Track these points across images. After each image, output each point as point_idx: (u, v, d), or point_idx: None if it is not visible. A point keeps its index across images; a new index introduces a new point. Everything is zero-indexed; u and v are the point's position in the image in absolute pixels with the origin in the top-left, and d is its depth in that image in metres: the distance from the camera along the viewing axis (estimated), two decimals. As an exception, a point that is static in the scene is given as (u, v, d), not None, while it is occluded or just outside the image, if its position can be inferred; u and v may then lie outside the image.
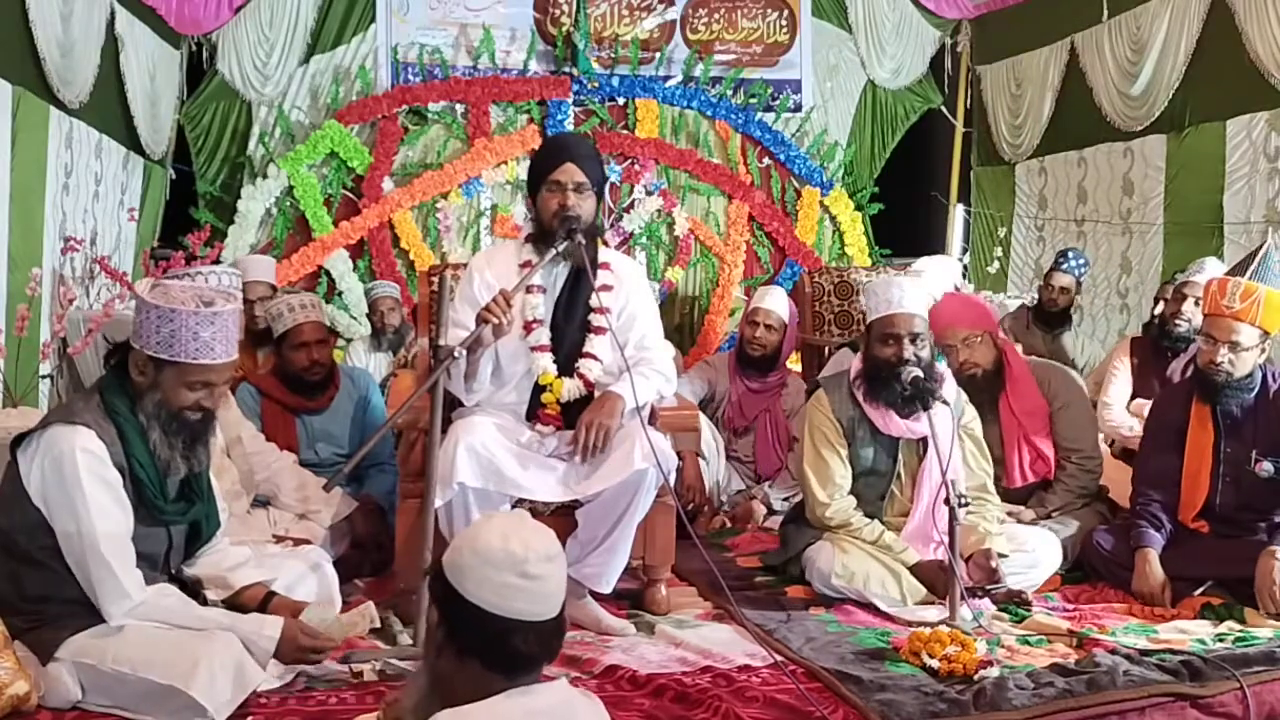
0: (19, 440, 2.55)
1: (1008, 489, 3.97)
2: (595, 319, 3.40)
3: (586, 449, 3.20)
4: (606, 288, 3.40)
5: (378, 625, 2.84)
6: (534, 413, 3.39)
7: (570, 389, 3.37)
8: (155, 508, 2.59)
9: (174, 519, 2.66)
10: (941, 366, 3.61)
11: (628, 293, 3.47)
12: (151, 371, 2.53)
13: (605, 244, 3.41)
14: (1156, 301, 4.73)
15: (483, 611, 1.66)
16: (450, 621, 1.70)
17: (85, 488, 2.46)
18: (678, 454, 3.91)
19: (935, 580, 3.37)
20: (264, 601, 2.74)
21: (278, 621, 2.61)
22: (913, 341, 3.42)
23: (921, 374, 3.39)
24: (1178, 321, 4.54)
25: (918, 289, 3.53)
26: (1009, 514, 3.83)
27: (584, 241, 3.30)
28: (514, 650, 1.67)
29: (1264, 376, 3.56)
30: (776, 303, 4.94)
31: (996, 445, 3.97)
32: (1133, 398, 4.60)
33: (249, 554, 2.87)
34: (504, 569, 1.66)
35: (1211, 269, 4.59)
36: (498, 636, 1.67)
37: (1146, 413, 4.00)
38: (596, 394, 3.38)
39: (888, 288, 3.48)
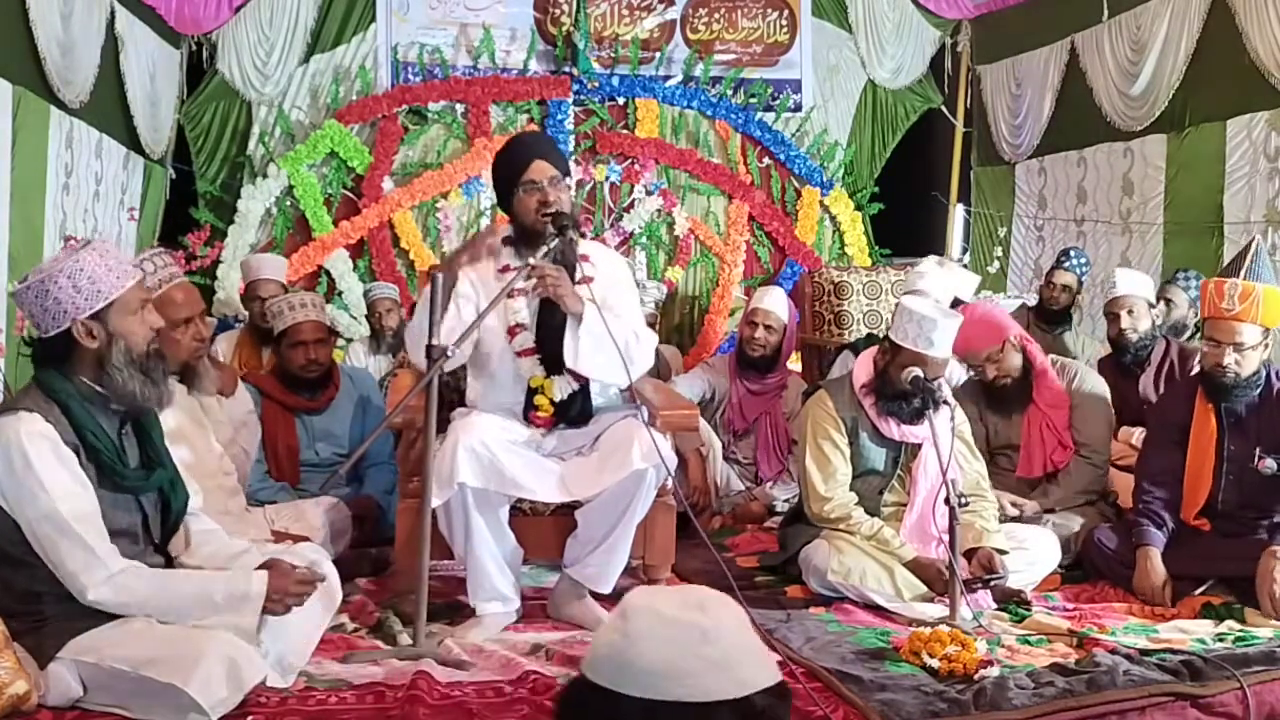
0: None
1: (1021, 478, 3.99)
2: None
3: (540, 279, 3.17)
4: (587, 279, 3.37)
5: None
6: (528, 413, 3.38)
7: (562, 385, 3.36)
8: (118, 474, 2.57)
9: (138, 484, 2.63)
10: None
11: (608, 284, 3.44)
12: (100, 329, 2.54)
13: (583, 235, 3.38)
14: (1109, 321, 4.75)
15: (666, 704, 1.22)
16: None
17: (40, 470, 2.45)
18: (679, 454, 3.91)
19: (932, 577, 3.37)
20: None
21: (262, 576, 2.59)
22: (934, 379, 3.47)
23: (921, 374, 3.41)
24: (1126, 335, 4.56)
25: (953, 325, 3.48)
26: (1012, 504, 3.84)
27: (574, 237, 3.28)
28: None
29: (1268, 374, 3.58)
30: (776, 303, 4.92)
31: (1018, 434, 4.04)
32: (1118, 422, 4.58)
33: (249, 545, 2.85)
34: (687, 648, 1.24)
35: (1122, 278, 4.65)
36: None
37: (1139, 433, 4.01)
38: (592, 387, 3.38)
39: (931, 325, 3.41)
